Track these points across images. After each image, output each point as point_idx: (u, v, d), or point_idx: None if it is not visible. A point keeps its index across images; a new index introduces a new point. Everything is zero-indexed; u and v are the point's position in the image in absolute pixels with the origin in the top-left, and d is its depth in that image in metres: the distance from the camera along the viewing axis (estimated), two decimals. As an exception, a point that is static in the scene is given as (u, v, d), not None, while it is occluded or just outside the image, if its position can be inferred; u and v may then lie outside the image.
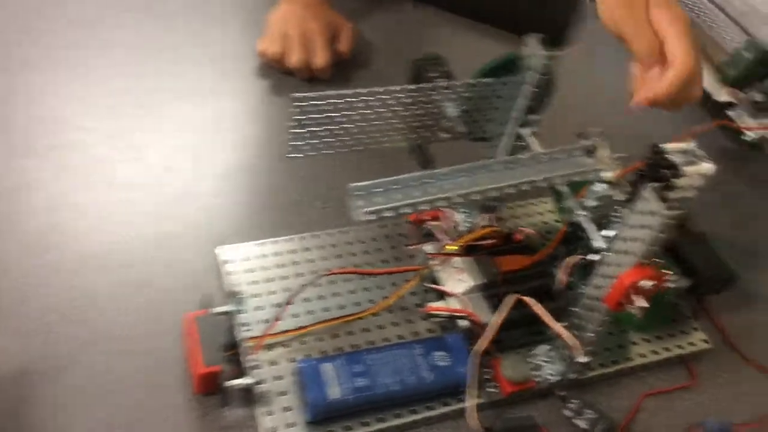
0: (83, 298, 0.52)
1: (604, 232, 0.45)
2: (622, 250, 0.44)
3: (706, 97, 0.75)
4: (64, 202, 0.58)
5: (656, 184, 0.42)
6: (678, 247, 0.55)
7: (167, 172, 0.62)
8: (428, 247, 0.56)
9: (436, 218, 0.57)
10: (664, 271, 0.51)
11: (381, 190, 0.44)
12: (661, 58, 0.49)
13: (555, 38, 0.83)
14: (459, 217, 0.59)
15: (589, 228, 0.46)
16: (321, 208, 0.61)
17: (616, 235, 0.44)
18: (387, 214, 0.43)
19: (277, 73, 0.73)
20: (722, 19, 0.82)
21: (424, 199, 0.44)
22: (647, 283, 0.43)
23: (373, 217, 0.43)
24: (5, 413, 0.46)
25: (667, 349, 0.56)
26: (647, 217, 0.41)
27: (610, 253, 0.45)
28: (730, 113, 0.75)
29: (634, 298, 0.44)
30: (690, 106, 0.51)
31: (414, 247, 0.57)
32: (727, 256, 0.57)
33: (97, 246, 0.56)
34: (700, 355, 0.57)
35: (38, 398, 0.47)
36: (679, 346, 0.56)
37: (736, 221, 0.70)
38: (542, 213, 0.64)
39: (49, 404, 0.47)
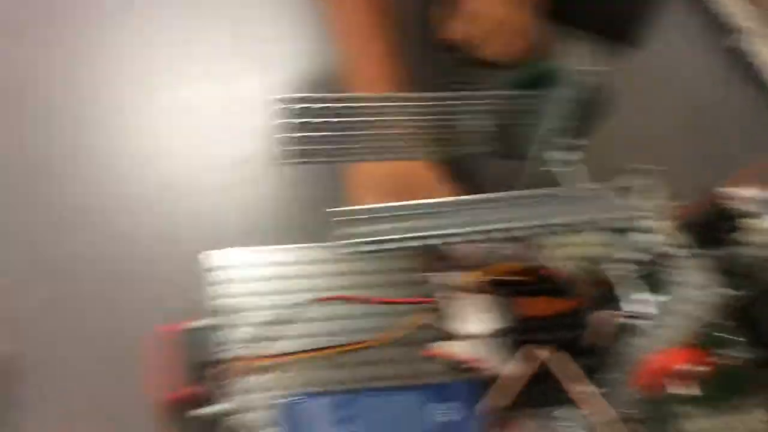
0: (52, 299, 0.49)
1: (638, 295, 0.37)
2: (659, 323, 0.35)
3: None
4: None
5: (712, 252, 0.33)
6: (748, 306, 0.45)
7: (157, 160, 0.57)
8: (443, 277, 0.49)
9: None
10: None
11: (365, 217, 0.37)
12: None
13: (620, 36, 0.72)
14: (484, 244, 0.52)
15: (619, 286, 0.38)
16: (328, 218, 0.55)
17: (652, 301, 0.36)
18: (366, 248, 0.37)
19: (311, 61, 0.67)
20: None
21: (413, 235, 0.37)
22: (686, 368, 0.34)
23: (349, 249, 0.37)
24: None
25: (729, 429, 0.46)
26: (693, 290, 0.33)
27: (644, 322, 0.36)
28: None
29: (668, 382, 0.35)
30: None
31: (427, 273, 0.50)
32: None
33: (74, 243, 0.52)
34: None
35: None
36: (742, 422, 0.46)
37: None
38: (592, 245, 0.54)
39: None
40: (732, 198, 0.40)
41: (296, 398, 0.44)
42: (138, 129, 0.58)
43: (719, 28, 0.73)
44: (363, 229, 0.38)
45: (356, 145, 0.44)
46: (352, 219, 0.38)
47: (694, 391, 0.36)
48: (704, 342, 0.37)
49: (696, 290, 0.33)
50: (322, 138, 0.44)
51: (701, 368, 0.35)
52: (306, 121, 0.42)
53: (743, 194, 0.41)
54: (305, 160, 0.44)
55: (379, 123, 0.44)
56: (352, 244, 0.37)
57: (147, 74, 0.62)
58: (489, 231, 0.39)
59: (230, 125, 0.60)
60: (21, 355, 0.46)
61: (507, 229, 0.38)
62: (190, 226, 0.53)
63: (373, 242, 0.37)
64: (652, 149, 0.44)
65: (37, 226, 0.52)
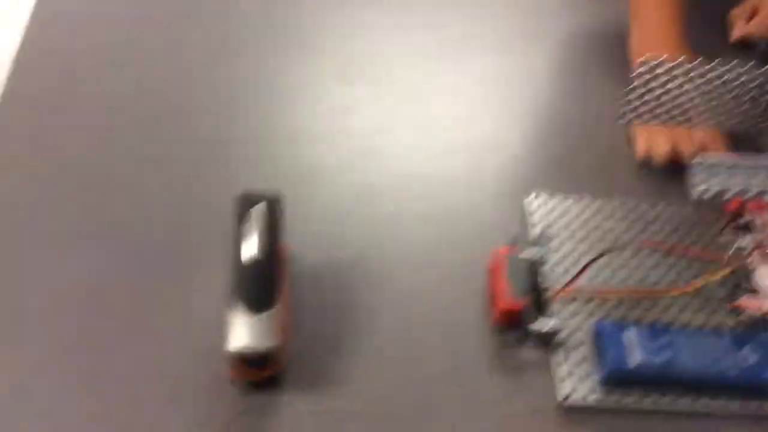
0: (391, 218, 0.56)
1: None
2: None
3: None
4: (380, 129, 0.63)
5: None
6: None
7: (478, 116, 0.64)
8: (746, 240, 0.53)
9: (760, 209, 0.53)
10: None
11: (724, 169, 0.42)
12: None
13: None
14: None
15: None
16: (633, 176, 0.60)
17: None
18: (726, 196, 0.42)
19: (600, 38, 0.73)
20: None
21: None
22: None
23: (709, 195, 0.42)
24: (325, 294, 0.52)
25: None
26: None
27: None
28: None
29: None
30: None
31: (728, 236, 0.54)
32: None
33: (406, 174, 0.59)
34: None
35: (354, 304, 0.52)
36: None
37: None
38: None
39: (362, 306, 0.51)
40: None
41: (616, 324, 0.49)
42: (452, 97, 0.67)
43: None
44: (719, 178, 0.42)
45: (695, 111, 0.49)
46: (711, 169, 0.42)
47: None
48: None
49: None
50: (662, 102, 0.49)
51: None
52: (653, 85, 0.48)
53: None
54: (643, 120, 0.50)
55: (718, 90, 0.48)
56: (711, 192, 0.42)
57: (450, 49, 0.70)
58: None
59: (528, 94, 0.67)
60: (372, 258, 0.53)
61: None
62: (512, 172, 0.60)
63: (733, 193, 0.41)
64: None
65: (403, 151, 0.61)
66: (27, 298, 0.50)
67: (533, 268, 0.51)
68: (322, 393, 0.47)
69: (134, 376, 0.47)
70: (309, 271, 0.53)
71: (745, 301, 0.50)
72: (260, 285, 0.45)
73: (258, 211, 0.46)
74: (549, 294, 0.50)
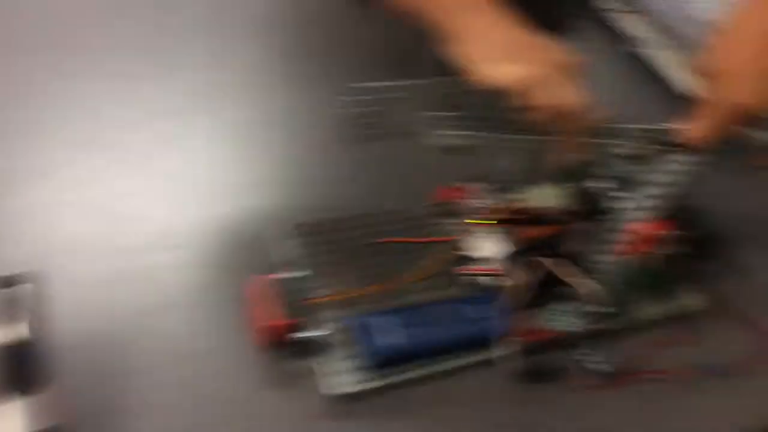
0: (148, 272, 0.60)
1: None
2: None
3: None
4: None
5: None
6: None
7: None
8: (455, 222, 0.65)
9: (461, 197, 0.66)
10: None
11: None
12: None
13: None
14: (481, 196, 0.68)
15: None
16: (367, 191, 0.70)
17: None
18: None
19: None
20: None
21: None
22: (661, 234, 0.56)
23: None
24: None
25: (667, 309, 0.63)
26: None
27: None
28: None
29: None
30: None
31: (441, 222, 0.66)
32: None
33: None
34: (697, 314, 0.64)
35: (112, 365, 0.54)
36: (680, 306, 0.64)
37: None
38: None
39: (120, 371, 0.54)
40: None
41: (364, 316, 0.57)
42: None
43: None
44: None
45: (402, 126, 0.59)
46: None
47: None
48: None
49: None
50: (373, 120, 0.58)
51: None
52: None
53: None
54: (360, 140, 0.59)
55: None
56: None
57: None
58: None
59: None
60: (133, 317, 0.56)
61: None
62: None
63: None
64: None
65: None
66: None
67: (287, 286, 0.57)
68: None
69: None
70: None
71: (471, 267, 0.61)
72: (30, 366, 0.46)
73: (18, 294, 0.48)
74: (304, 306, 0.57)
